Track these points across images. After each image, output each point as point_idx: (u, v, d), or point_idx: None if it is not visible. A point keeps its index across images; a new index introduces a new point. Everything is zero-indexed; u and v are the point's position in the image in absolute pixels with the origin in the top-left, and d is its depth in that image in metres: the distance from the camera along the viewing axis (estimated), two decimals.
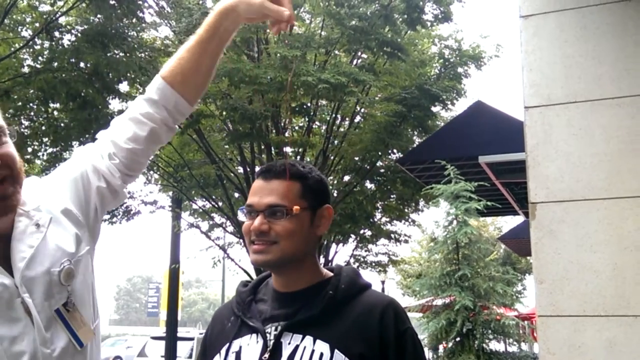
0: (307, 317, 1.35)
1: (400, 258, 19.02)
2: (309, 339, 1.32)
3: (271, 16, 1.38)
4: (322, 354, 1.30)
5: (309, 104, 12.55)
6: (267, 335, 1.36)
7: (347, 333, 1.32)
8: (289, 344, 1.33)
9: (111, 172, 1.41)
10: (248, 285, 1.52)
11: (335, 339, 1.31)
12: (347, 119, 13.74)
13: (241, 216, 1.44)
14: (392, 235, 16.80)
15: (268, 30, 1.51)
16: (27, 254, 1.22)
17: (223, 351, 1.40)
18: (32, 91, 10.69)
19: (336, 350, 1.30)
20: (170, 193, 15.29)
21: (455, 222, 8.33)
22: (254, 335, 1.38)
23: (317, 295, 1.38)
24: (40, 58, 10.85)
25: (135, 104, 1.46)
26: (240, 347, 1.38)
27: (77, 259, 1.30)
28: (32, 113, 11.65)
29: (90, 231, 1.38)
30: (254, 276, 13.17)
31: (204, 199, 14.54)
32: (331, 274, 1.45)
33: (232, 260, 14.40)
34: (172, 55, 1.50)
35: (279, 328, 1.36)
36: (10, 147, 1.23)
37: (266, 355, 1.33)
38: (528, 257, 19.58)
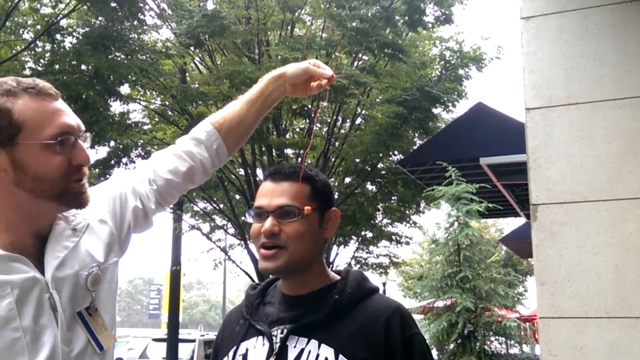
0: (313, 321, 1.35)
1: (401, 260, 19.02)
2: (314, 342, 1.32)
3: (315, 77, 1.59)
4: (326, 359, 1.30)
5: (309, 106, 12.56)
6: (274, 338, 1.36)
7: (352, 338, 1.32)
8: (295, 347, 1.33)
9: (148, 196, 1.52)
10: (257, 289, 1.53)
11: (340, 343, 1.31)
12: (348, 120, 13.74)
13: (249, 219, 1.44)
14: (393, 237, 16.79)
15: (317, 87, 1.65)
16: (61, 254, 1.29)
17: (231, 353, 1.41)
18: None
19: (340, 355, 1.30)
20: None
21: (456, 223, 8.32)
22: (260, 337, 1.38)
23: (323, 298, 1.38)
24: (41, 60, 10.87)
25: (180, 142, 1.61)
26: (247, 350, 1.39)
27: (105, 266, 1.36)
28: None
29: (120, 245, 1.45)
30: (255, 277, 13.17)
31: (205, 201, 14.56)
32: (338, 277, 1.45)
33: (233, 262, 14.41)
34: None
35: (285, 331, 1.36)
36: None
37: (272, 358, 1.33)
38: (529, 259, 19.57)
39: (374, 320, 1.34)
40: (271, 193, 1.40)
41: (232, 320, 1.51)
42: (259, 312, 1.44)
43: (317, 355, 1.31)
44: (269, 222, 1.37)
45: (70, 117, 1.30)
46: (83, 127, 1.33)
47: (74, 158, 1.28)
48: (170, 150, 1.59)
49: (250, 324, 1.43)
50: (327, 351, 1.30)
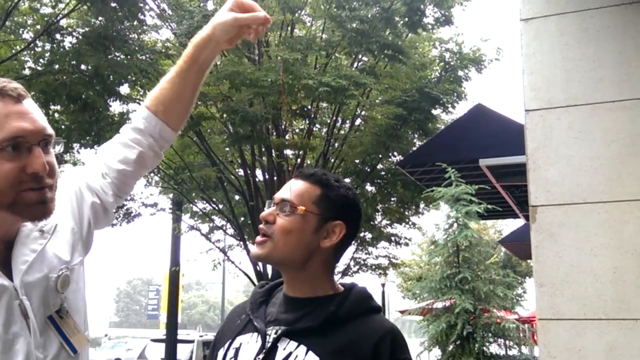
0: (306, 327, 1.36)
1: (400, 261, 19.01)
2: (302, 348, 1.33)
3: (247, 24, 1.44)
4: None
5: (309, 107, 12.55)
6: (267, 337, 1.37)
7: (339, 350, 1.32)
8: (284, 349, 1.34)
9: (104, 190, 1.47)
10: (264, 287, 1.54)
11: (327, 353, 1.32)
12: (347, 121, 13.74)
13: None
14: (393, 238, 16.79)
15: (254, 38, 1.54)
16: (29, 258, 1.24)
17: (227, 345, 1.44)
18: (33, 93, 10.67)
19: None
20: (171, 195, 15.29)
21: (455, 225, 8.32)
22: (256, 334, 1.40)
23: (321, 307, 1.38)
24: (41, 60, 10.86)
25: (123, 131, 1.53)
26: (241, 344, 1.41)
27: (72, 267, 1.33)
28: None
29: (83, 244, 1.42)
30: (254, 278, 13.16)
31: (205, 202, 14.55)
32: (342, 289, 1.45)
33: (233, 262, 14.40)
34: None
35: (279, 332, 1.37)
36: (54, 157, 1.27)
37: (260, 356, 1.35)
38: (528, 260, 19.57)
39: (365, 338, 1.34)
40: (286, 187, 1.44)
41: (236, 314, 1.53)
42: (260, 310, 1.46)
43: None
44: (268, 209, 1.41)
45: (29, 121, 1.20)
46: (49, 132, 1.24)
47: (29, 166, 1.18)
48: (116, 140, 1.52)
49: (250, 320, 1.45)
50: (312, 358, 1.31)
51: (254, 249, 1.42)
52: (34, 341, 1.19)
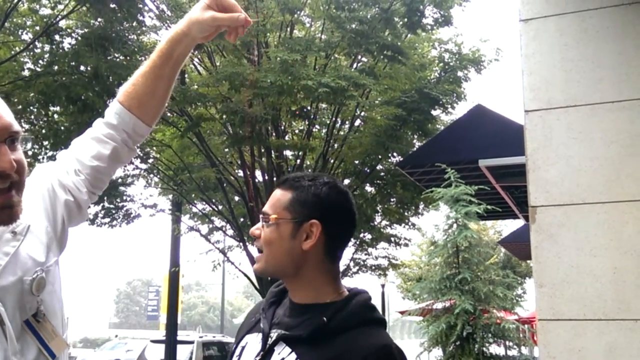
0: (298, 335, 1.34)
1: (400, 261, 19.01)
2: (292, 356, 1.32)
3: (225, 25, 1.41)
4: None
5: (309, 108, 12.55)
6: (269, 339, 1.38)
7: None
8: (279, 354, 1.34)
9: (77, 187, 1.42)
10: (278, 287, 1.51)
11: None
12: (347, 122, 13.74)
13: None
14: (392, 239, 16.79)
15: (234, 40, 1.53)
16: (2, 261, 1.19)
17: (238, 342, 1.46)
18: (32, 94, 10.71)
19: None
20: (170, 196, 15.29)
21: (455, 225, 8.32)
22: (260, 335, 1.41)
23: (314, 316, 1.35)
24: (40, 61, 10.87)
25: (96, 126, 1.49)
26: (247, 343, 1.43)
27: (47, 268, 1.28)
28: (32, 116, 11.67)
29: (58, 243, 1.37)
30: (254, 279, 13.16)
31: (204, 202, 14.55)
32: (345, 294, 1.40)
33: (232, 263, 14.40)
34: (127, 80, 1.53)
35: (276, 336, 1.38)
36: (22, 154, 1.21)
37: (257, 358, 1.36)
38: (528, 261, 19.57)
39: (353, 354, 1.27)
40: (269, 199, 1.45)
41: (255, 311, 1.54)
42: (270, 310, 1.46)
43: None
44: (256, 225, 1.42)
45: None
46: (16, 129, 1.18)
47: None
48: (88, 135, 1.48)
49: (259, 319, 1.46)
50: None
51: (254, 264, 1.45)
52: (11, 347, 1.15)
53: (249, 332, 1.45)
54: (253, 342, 1.41)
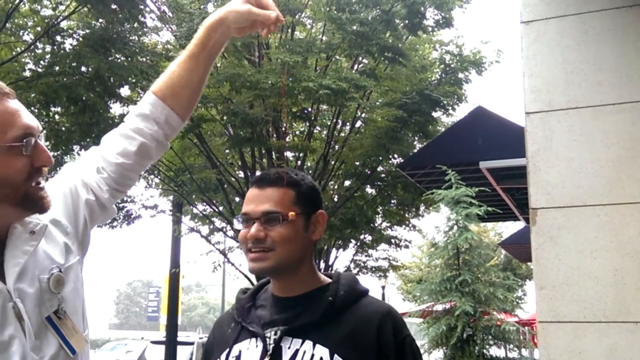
0: (307, 322, 1.37)
1: (400, 263, 19.00)
2: (308, 343, 1.34)
3: (260, 20, 1.45)
4: (321, 358, 1.32)
5: (309, 109, 12.56)
6: (267, 339, 1.37)
7: (345, 339, 1.35)
8: (289, 348, 1.35)
9: (99, 186, 1.43)
10: (247, 292, 1.55)
11: (334, 344, 1.34)
12: (347, 124, 13.74)
13: (237, 225, 1.46)
14: (393, 241, 16.78)
15: (266, 35, 1.55)
16: (21, 260, 1.22)
17: (223, 356, 1.42)
18: (33, 95, 10.70)
19: (336, 355, 1.32)
20: (171, 197, 15.29)
21: (455, 227, 8.32)
22: (254, 339, 1.40)
23: (316, 300, 1.41)
24: (41, 62, 10.87)
25: (127, 120, 1.49)
26: (240, 352, 1.40)
27: (67, 267, 1.31)
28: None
29: (79, 242, 1.40)
30: (255, 281, 13.16)
31: (205, 204, 14.55)
32: (329, 280, 1.48)
33: (233, 264, 14.41)
34: (164, 70, 1.53)
35: (279, 332, 1.37)
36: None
37: (266, 359, 1.35)
38: (528, 263, 19.56)
39: (366, 323, 1.38)
40: (257, 199, 1.43)
41: (223, 324, 1.53)
42: (250, 314, 1.46)
43: (312, 355, 1.33)
44: (254, 228, 1.40)
45: (30, 117, 1.24)
46: (40, 127, 1.27)
47: (37, 159, 1.22)
48: (117, 131, 1.48)
49: (243, 326, 1.44)
50: (322, 351, 1.33)
51: (252, 263, 1.41)
52: (30, 343, 1.18)
53: (237, 342, 1.43)
54: (249, 349, 1.40)
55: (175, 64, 1.50)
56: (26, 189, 1.21)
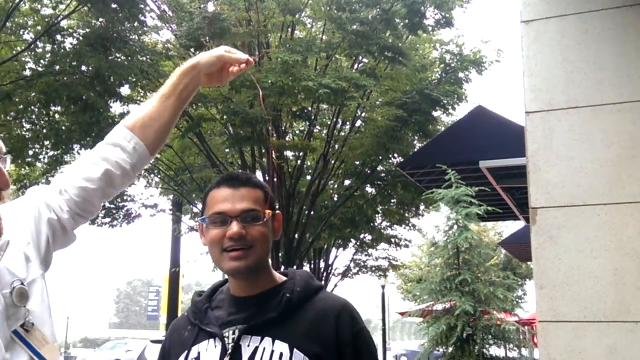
0: (266, 320, 1.39)
1: (400, 263, 19.02)
2: (268, 340, 1.36)
3: (231, 63, 1.55)
4: (282, 354, 1.34)
5: (310, 109, 12.56)
6: (226, 339, 1.39)
7: (304, 334, 1.38)
8: (249, 346, 1.37)
9: (60, 207, 1.44)
10: (203, 295, 1.56)
11: (294, 338, 1.36)
12: (348, 123, 13.74)
13: (206, 226, 1.46)
14: (393, 240, 16.78)
15: (237, 72, 1.63)
16: None
17: (182, 359, 1.43)
18: (33, 94, 10.71)
19: (295, 350, 1.34)
20: (171, 197, 15.30)
21: (456, 227, 8.31)
22: (212, 340, 1.41)
23: (273, 298, 1.43)
24: (42, 61, 10.87)
25: (98, 147, 1.53)
26: (199, 353, 1.41)
27: (30, 281, 1.31)
28: (33, 116, 11.67)
29: (41, 259, 1.39)
30: None
31: None
32: (285, 278, 1.51)
33: None
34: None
35: (237, 332, 1.39)
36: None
37: (226, 359, 1.36)
38: (529, 263, 19.57)
39: (324, 317, 1.41)
40: (232, 198, 1.43)
41: (180, 327, 1.53)
42: (207, 316, 1.47)
43: (272, 352, 1.35)
44: (236, 226, 1.40)
45: None
46: (4, 149, 1.25)
47: None
48: (85, 157, 1.52)
49: (200, 328, 1.45)
50: (282, 347, 1.35)
51: (234, 262, 1.40)
52: (1, 356, 1.19)
53: (195, 344, 1.43)
54: (207, 350, 1.40)
55: (150, 102, 1.57)
56: None
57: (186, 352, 1.43)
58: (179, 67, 1.58)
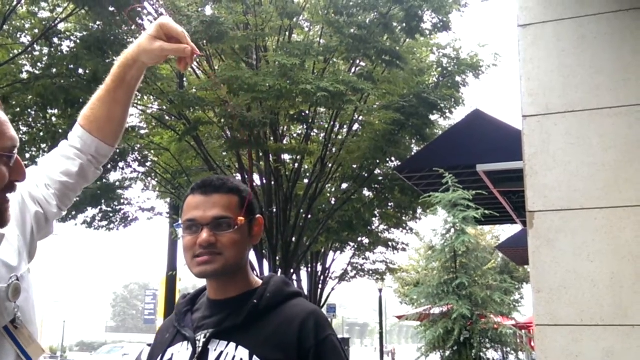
0: (232, 325, 1.40)
1: (397, 266, 19.02)
2: (232, 345, 1.38)
3: (173, 55, 1.49)
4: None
5: (307, 112, 12.56)
6: (197, 342, 1.40)
7: (267, 340, 1.38)
8: (215, 350, 1.38)
9: (47, 200, 1.45)
10: (186, 297, 1.59)
11: (255, 345, 1.37)
12: (345, 126, 13.75)
13: (179, 232, 1.46)
14: (390, 243, 16.79)
15: (184, 69, 1.59)
16: None
17: (159, 358, 1.46)
18: (30, 97, 10.70)
19: (255, 357, 1.35)
20: (168, 200, 15.27)
21: (453, 230, 8.32)
22: (185, 343, 1.43)
23: (245, 303, 1.44)
24: (39, 64, 10.86)
25: (61, 146, 1.53)
26: (172, 355, 1.44)
27: (20, 275, 1.31)
28: (30, 119, 11.66)
29: (28, 252, 1.40)
30: None
31: None
32: (261, 282, 1.51)
33: None
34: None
35: (207, 335, 1.41)
36: None
37: None
38: (526, 266, 19.58)
39: (289, 322, 1.40)
40: (203, 205, 1.43)
41: (164, 328, 1.56)
42: (186, 318, 1.49)
43: (234, 357, 1.36)
44: (205, 234, 1.40)
45: (12, 130, 1.22)
46: (18, 142, 1.26)
47: (15, 173, 1.21)
48: (57, 152, 1.53)
49: (178, 330, 1.47)
50: (242, 352, 1.36)
51: (201, 267, 1.41)
52: None
53: (170, 346, 1.46)
54: (180, 352, 1.43)
55: (95, 98, 1.54)
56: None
57: (161, 354, 1.46)
58: (118, 60, 1.53)
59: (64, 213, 1.54)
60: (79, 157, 1.50)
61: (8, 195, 1.22)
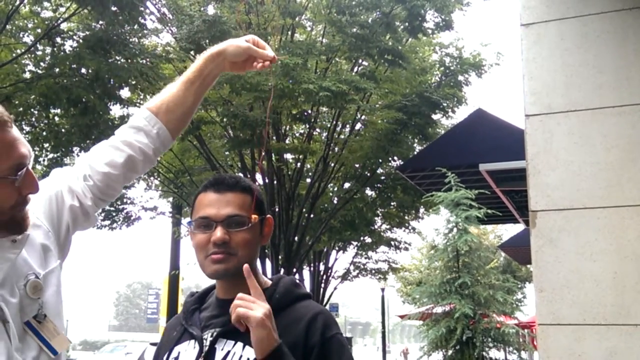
0: None
1: (400, 265, 19.02)
2: (239, 345, 1.37)
3: (256, 57, 1.56)
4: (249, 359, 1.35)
5: (309, 111, 12.56)
6: (204, 341, 1.40)
7: None
8: (222, 349, 1.38)
9: (84, 193, 1.46)
10: (195, 295, 1.59)
11: None
12: (347, 126, 13.75)
13: (192, 230, 1.46)
14: (392, 243, 16.78)
15: (260, 68, 1.63)
16: (4, 266, 1.25)
17: (164, 358, 1.46)
18: (33, 97, 10.71)
19: None
20: (171, 199, 15.29)
21: (455, 229, 8.31)
22: (193, 341, 1.43)
23: None
24: (41, 64, 10.88)
25: (120, 131, 1.54)
26: (179, 353, 1.44)
27: (46, 272, 1.34)
28: (33, 118, 11.67)
29: (60, 247, 1.42)
30: None
31: None
32: (270, 282, 1.51)
33: None
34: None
35: (214, 334, 1.41)
36: None
37: None
38: (528, 266, 19.56)
39: (297, 322, 1.40)
40: (217, 203, 1.43)
41: (172, 326, 1.56)
42: (193, 317, 1.49)
43: (241, 357, 1.35)
44: (219, 232, 1.40)
45: (24, 145, 1.26)
46: (32, 152, 1.29)
47: (25, 188, 1.25)
48: (108, 142, 1.53)
49: (185, 328, 1.47)
50: (250, 352, 1.34)
51: (215, 265, 1.41)
52: (14, 345, 1.22)
53: (177, 344, 1.45)
54: (187, 350, 1.42)
55: (173, 85, 1.57)
56: (11, 215, 1.26)
57: (169, 351, 1.46)
58: (204, 52, 1.58)
59: (106, 204, 1.56)
60: (129, 147, 1.50)
61: (24, 207, 1.26)
